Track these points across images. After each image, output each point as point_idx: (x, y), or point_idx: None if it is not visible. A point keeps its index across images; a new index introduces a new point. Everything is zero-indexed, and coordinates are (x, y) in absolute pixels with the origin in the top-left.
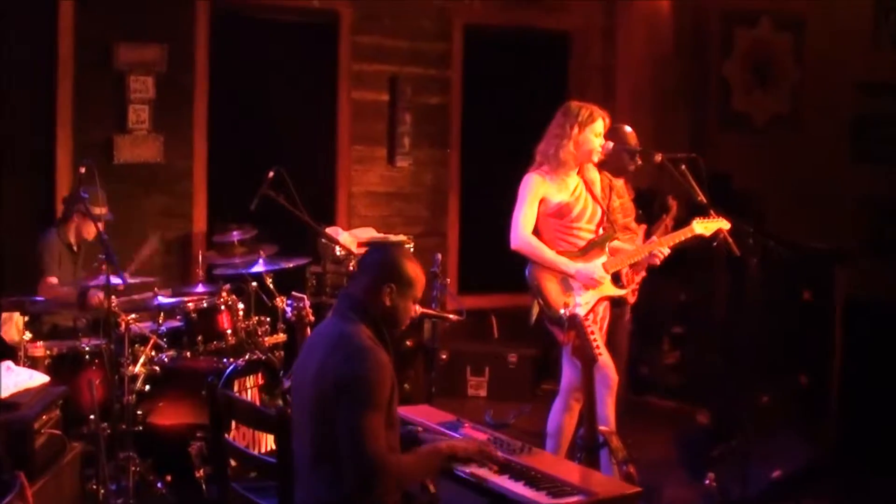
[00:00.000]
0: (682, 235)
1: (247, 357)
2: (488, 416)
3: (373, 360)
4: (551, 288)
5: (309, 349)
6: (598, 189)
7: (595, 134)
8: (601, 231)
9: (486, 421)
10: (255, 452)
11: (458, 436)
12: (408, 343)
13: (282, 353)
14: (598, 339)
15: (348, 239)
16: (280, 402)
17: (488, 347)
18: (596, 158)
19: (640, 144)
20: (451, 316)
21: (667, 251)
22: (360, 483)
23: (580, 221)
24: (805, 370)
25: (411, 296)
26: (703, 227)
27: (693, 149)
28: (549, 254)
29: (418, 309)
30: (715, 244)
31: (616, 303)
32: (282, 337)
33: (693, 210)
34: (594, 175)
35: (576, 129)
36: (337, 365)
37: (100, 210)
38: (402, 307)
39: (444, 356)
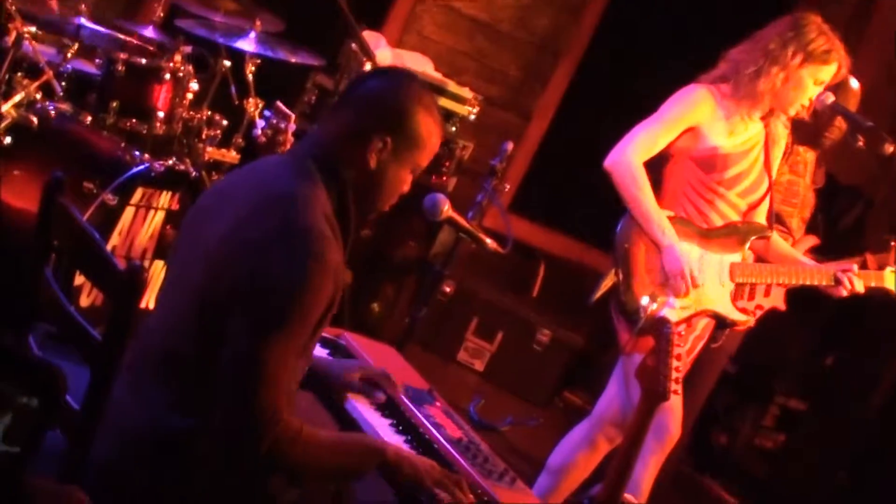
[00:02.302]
0: (869, 279)
1: (170, 162)
2: (474, 406)
3: (317, 261)
4: (643, 263)
5: (231, 189)
6: (777, 155)
7: (816, 81)
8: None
9: (469, 413)
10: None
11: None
12: (406, 248)
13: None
14: (681, 369)
15: (388, 58)
16: None
17: (515, 304)
18: (793, 112)
19: (868, 117)
20: (488, 240)
21: (861, 288)
22: (234, 434)
23: (731, 188)
24: None
25: (410, 162)
26: None
27: None
28: (648, 201)
29: (446, 210)
30: None
31: (721, 326)
32: (232, 156)
33: None
34: (781, 132)
35: (798, 58)
36: (261, 247)
37: None
38: (393, 176)
39: (447, 289)
